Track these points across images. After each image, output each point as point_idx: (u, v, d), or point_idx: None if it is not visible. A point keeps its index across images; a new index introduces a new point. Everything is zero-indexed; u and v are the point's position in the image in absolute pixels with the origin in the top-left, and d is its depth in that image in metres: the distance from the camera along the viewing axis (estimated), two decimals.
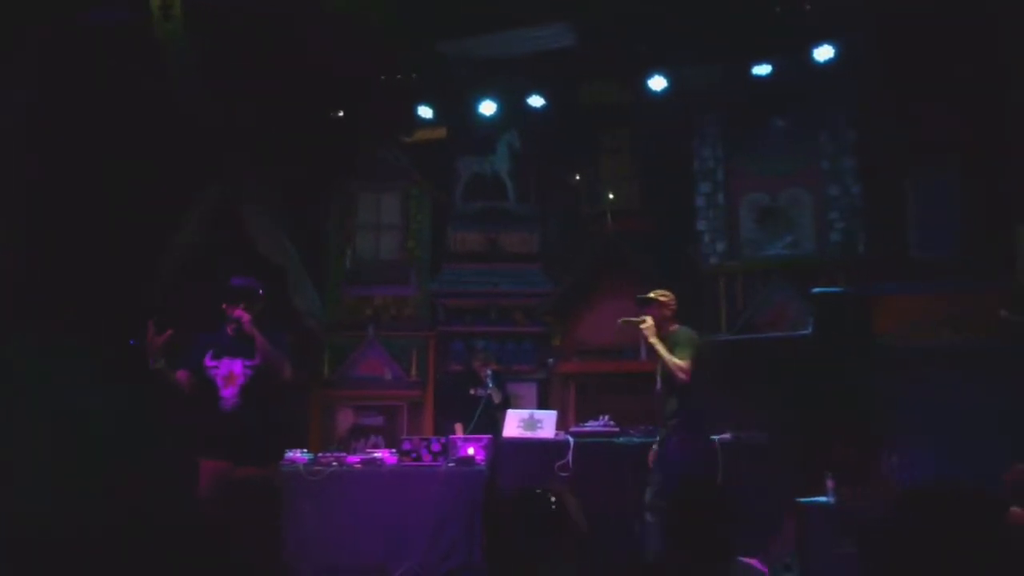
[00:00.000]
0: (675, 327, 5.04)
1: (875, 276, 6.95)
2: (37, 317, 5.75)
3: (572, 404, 7.85)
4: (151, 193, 7.13)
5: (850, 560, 4.34)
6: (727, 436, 5.49)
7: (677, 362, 4.84)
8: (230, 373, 4.20)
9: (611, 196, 8.45)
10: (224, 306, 4.30)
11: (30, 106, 6.06)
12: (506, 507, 5.03)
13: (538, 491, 5.07)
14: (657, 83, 7.31)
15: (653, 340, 4.94)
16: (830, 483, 4.90)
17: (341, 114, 8.11)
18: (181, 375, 4.23)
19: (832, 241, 7.48)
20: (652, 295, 5.12)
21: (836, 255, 7.42)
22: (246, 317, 4.22)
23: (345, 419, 8.19)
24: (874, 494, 4.76)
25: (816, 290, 6.37)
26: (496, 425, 6.34)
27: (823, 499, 4.88)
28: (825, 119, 7.65)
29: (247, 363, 4.21)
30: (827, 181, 7.58)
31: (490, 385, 6.68)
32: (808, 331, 6.25)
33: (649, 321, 4.97)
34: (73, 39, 6.19)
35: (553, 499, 4.88)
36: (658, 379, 5.08)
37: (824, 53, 6.85)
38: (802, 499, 4.92)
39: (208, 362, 4.24)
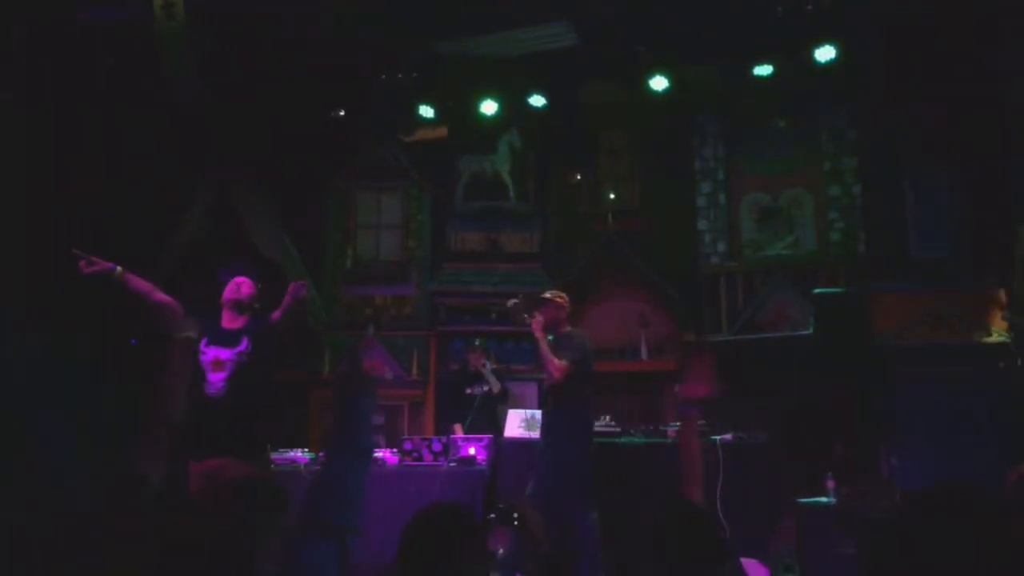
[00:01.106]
0: (568, 329, 5.12)
1: (875, 276, 6.95)
2: (38, 317, 5.75)
3: None
4: (150, 192, 7.13)
5: (850, 560, 4.35)
6: (727, 436, 5.49)
7: (554, 359, 4.91)
8: (217, 359, 4.23)
9: (611, 196, 8.47)
10: (225, 283, 4.36)
11: (29, 104, 6.05)
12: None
13: (501, 506, 5.12)
14: (658, 83, 7.30)
15: (539, 336, 5.00)
16: (830, 483, 4.90)
17: (342, 113, 8.10)
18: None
19: (832, 241, 7.50)
20: (548, 295, 5.20)
21: (836, 255, 7.44)
22: (247, 283, 4.33)
23: None
24: (874, 494, 4.76)
25: (817, 290, 6.37)
26: (496, 420, 6.33)
27: (823, 499, 4.89)
28: (826, 119, 7.66)
29: (236, 351, 4.23)
30: (828, 181, 7.59)
31: (488, 371, 6.63)
32: (808, 331, 6.25)
33: (539, 319, 5.00)
34: (73, 37, 6.19)
35: (516, 515, 4.92)
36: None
37: (825, 53, 6.84)
38: (802, 499, 4.93)
39: (201, 347, 4.27)
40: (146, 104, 6.75)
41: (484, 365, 6.74)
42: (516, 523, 4.94)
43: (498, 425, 6.32)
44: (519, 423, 5.97)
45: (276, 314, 4.32)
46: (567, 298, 5.24)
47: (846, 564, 4.41)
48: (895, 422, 5.61)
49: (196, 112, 6.99)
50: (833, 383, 5.62)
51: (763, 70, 7.12)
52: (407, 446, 5.95)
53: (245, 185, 8.08)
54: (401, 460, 5.89)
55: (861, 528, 4.32)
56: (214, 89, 6.99)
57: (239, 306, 4.33)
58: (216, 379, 4.18)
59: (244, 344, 4.24)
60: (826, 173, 7.60)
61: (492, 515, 5.10)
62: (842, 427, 5.52)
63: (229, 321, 4.34)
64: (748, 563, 4.83)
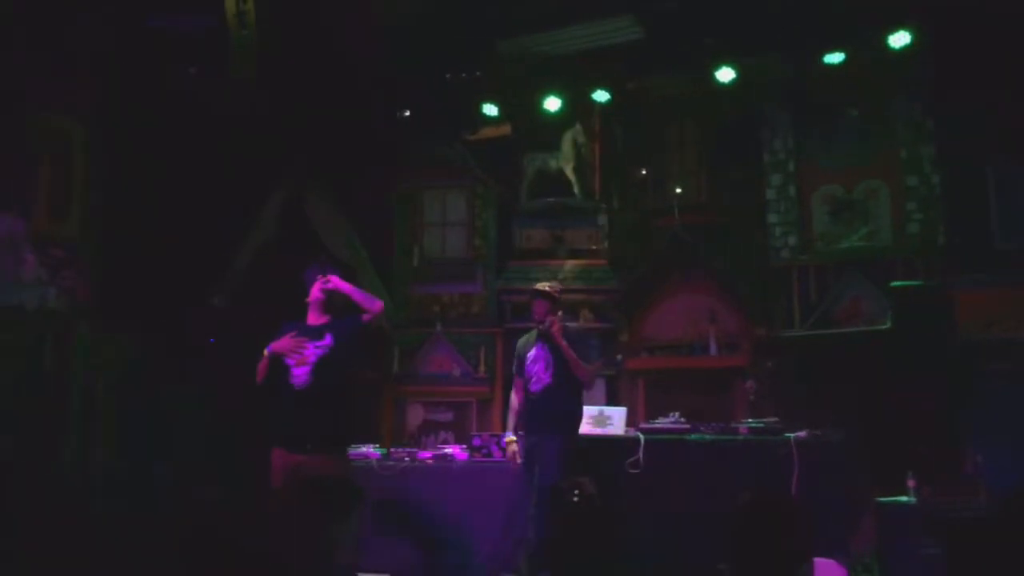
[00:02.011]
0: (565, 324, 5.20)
1: (956, 268, 6.72)
2: (117, 319, 5.96)
3: (641, 400, 7.79)
4: (223, 195, 7.33)
5: (935, 561, 4.21)
6: (802, 433, 5.37)
7: (584, 365, 5.04)
8: (302, 354, 4.36)
9: (678, 190, 8.36)
10: (310, 279, 4.57)
11: (104, 110, 6.26)
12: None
13: (562, 486, 5.10)
14: (725, 74, 7.19)
15: (562, 341, 5.01)
16: (911, 482, 4.76)
17: (407, 114, 8.21)
18: (260, 364, 4.41)
19: (910, 233, 7.24)
20: (550, 289, 5.16)
21: (915, 247, 7.18)
22: (333, 278, 4.53)
23: (415, 415, 8.30)
24: (959, 494, 4.61)
25: (895, 283, 6.19)
26: None
27: (904, 498, 4.75)
28: (901, 107, 7.41)
29: (318, 344, 4.38)
30: (905, 171, 7.34)
31: None
32: (886, 325, 6.08)
33: (557, 324, 5.03)
34: (145, 44, 6.39)
35: (576, 492, 4.91)
36: (547, 379, 5.06)
37: (900, 39, 6.64)
38: (882, 498, 4.80)
39: (284, 341, 4.42)
40: (218, 109, 6.94)
41: None
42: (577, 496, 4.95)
43: None
44: (587, 419, 5.95)
45: (366, 316, 4.48)
46: (559, 287, 5.40)
47: (928, 565, 4.28)
48: (979, 419, 5.42)
49: (266, 116, 7.16)
50: (913, 379, 5.45)
51: (834, 58, 6.93)
52: (476, 442, 5.99)
53: (314, 186, 8.24)
54: (471, 457, 5.94)
55: (945, 529, 4.18)
56: (282, 93, 7.15)
57: (324, 304, 4.51)
58: (300, 372, 4.34)
59: (328, 339, 4.40)
60: (903, 162, 7.34)
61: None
62: (923, 424, 5.35)
63: (315, 318, 4.53)
64: (825, 563, 4.71)
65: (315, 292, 4.54)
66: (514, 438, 5.40)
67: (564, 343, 5.00)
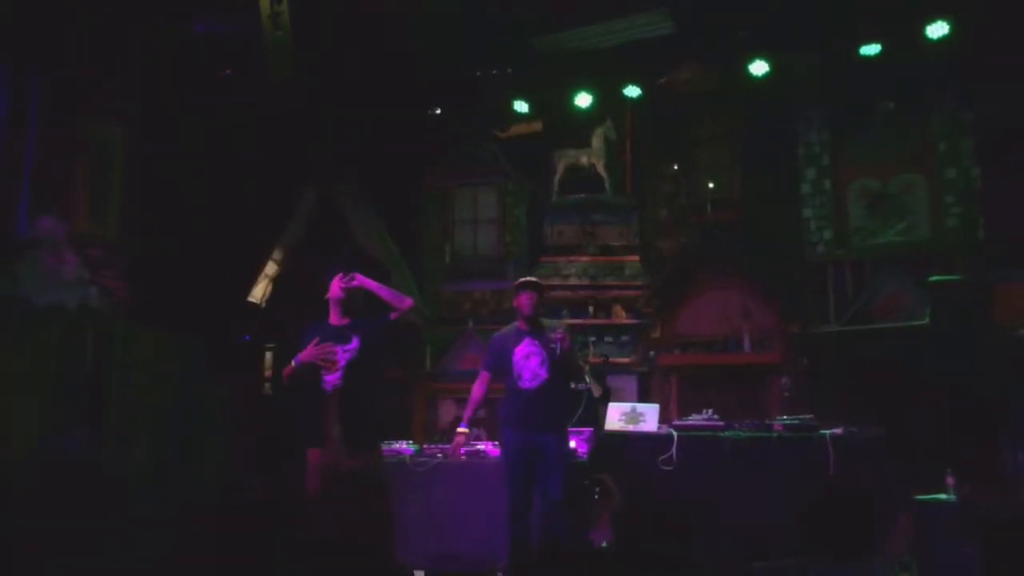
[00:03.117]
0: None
1: (996, 263, 6.59)
2: (155, 317, 6.06)
3: (674, 397, 7.76)
4: (256, 194, 7.42)
5: (974, 560, 4.14)
6: (838, 430, 5.30)
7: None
8: (332, 360, 4.33)
9: (711, 185, 8.29)
10: (332, 279, 4.44)
11: (142, 113, 6.37)
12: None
13: (586, 482, 5.07)
14: (758, 68, 7.11)
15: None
16: (950, 480, 4.68)
17: (438, 111, 8.24)
18: (286, 370, 4.39)
19: (949, 227, 7.12)
20: (536, 280, 5.06)
21: (953, 241, 7.06)
22: (357, 276, 4.40)
23: (447, 411, 8.34)
24: (998, 492, 4.53)
25: (933, 278, 6.08)
26: (597, 418, 6.31)
27: (942, 496, 4.67)
28: (938, 99, 7.28)
29: (346, 348, 4.31)
30: (943, 164, 7.21)
31: (588, 375, 6.64)
32: (924, 321, 5.98)
33: (568, 342, 4.82)
34: (182, 48, 6.49)
35: (597, 488, 4.89)
36: (544, 374, 4.88)
37: (937, 30, 6.51)
38: (920, 496, 4.72)
39: (312, 350, 4.37)
40: (253, 109, 7.02)
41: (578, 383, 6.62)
42: (598, 493, 4.93)
43: (599, 422, 6.30)
44: (619, 416, 5.93)
45: (393, 315, 4.37)
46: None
47: (967, 565, 4.20)
48: (1019, 417, 5.32)
49: (300, 115, 7.23)
50: (952, 375, 5.36)
51: (870, 50, 6.83)
52: None
53: (346, 184, 8.31)
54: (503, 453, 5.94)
55: (985, 528, 4.10)
56: (316, 92, 7.22)
57: (345, 303, 4.41)
58: (332, 378, 4.29)
59: (355, 342, 4.32)
60: (941, 156, 7.22)
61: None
62: (962, 422, 5.26)
63: (337, 318, 4.43)
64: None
65: (335, 290, 4.39)
66: (466, 431, 5.26)
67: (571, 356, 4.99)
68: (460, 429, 5.19)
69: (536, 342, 4.90)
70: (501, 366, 4.99)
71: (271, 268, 8.09)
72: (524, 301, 4.94)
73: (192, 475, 5.84)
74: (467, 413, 5.19)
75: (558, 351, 4.72)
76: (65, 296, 5.48)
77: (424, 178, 8.93)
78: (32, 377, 5.07)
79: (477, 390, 5.10)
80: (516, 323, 5.03)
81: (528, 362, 4.91)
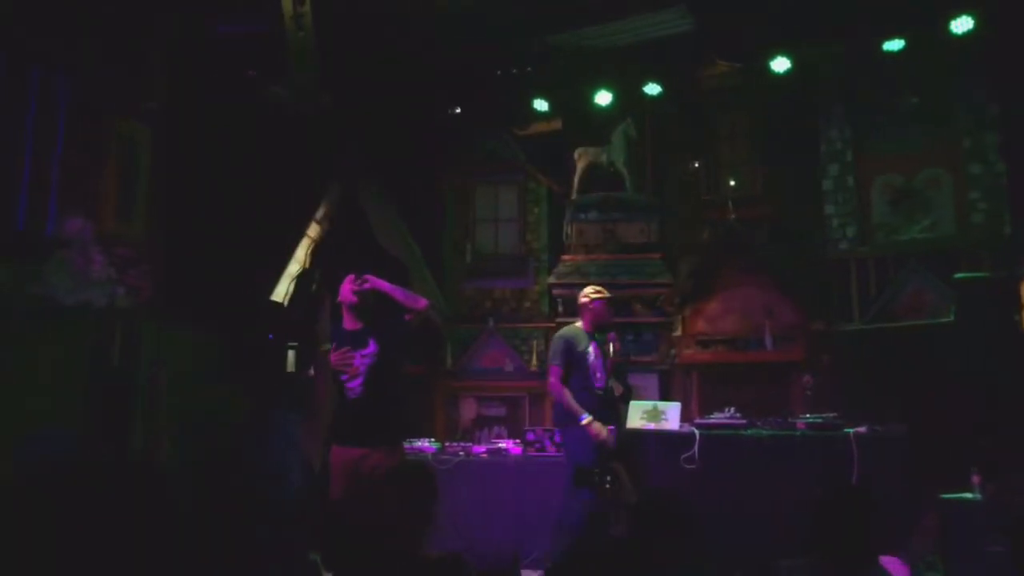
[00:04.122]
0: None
1: (1023, 259, 6.50)
2: (181, 316, 6.11)
3: (695, 395, 7.73)
4: (278, 193, 7.46)
5: (1001, 559, 4.10)
6: (862, 429, 5.27)
7: None
8: (352, 366, 4.33)
9: (732, 182, 8.26)
10: (345, 284, 4.45)
11: (168, 111, 6.42)
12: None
13: (596, 470, 5.12)
14: (779, 64, 7.07)
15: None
16: (976, 478, 4.64)
17: (458, 110, 8.25)
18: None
19: (974, 223, 7.04)
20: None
21: (979, 238, 6.98)
22: (369, 277, 4.39)
23: (469, 409, 8.37)
24: None
25: (959, 275, 6.01)
26: (619, 416, 6.32)
27: (968, 495, 4.63)
28: (963, 94, 7.20)
29: (364, 353, 4.32)
30: (968, 159, 7.13)
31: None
32: (950, 319, 5.92)
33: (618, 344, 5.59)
34: (208, 47, 6.54)
35: (608, 477, 4.94)
36: (605, 376, 5.43)
37: (962, 24, 6.43)
38: (945, 495, 4.69)
39: (331, 357, 4.40)
40: (274, 109, 7.06)
41: None
42: (609, 483, 4.99)
43: (621, 422, 6.30)
44: (641, 414, 5.93)
45: (408, 316, 4.39)
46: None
47: (994, 563, 4.16)
48: None
49: (322, 114, 7.27)
50: (978, 373, 5.30)
51: (893, 45, 6.76)
52: (530, 437, 6.03)
53: (367, 182, 8.35)
54: (525, 451, 5.97)
55: (1013, 526, 4.06)
56: (337, 91, 7.25)
57: (359, 307, 4.39)
58: (354, 385, 4.30)
59: (372, 346, 4.32)
60: (966, 151, 7.14)
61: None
62: (988, 420, 5.20)
63: (351, 322, 4.42)
64: (888, 561, 4.63)
65: (346, 294, 4.36)
66: (590, 417, 5.34)
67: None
68: (585, 420, 5.20)
69: (598, 346, 5.22)
70: (575, 363, 5.21)
71: (294, 267, 8.14)
72: (605, 310, 5.40)
73: (215, 473, 5.89)
74: (575, 405, 5.25)
75: (611, 352, 5.10)
76: (92, 296, 5.54)
77: (444, 177, 8.95)
78: (59, 377, 5.13)
79: (561, 385, 5.21)
80: (579, 325, 5.32)
81: (597, 362, 5.24)
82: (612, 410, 5.31)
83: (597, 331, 5.42)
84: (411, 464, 4.17)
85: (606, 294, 5.56)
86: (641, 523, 2.20)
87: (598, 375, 5.29)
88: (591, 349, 5.35)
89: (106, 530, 1.35)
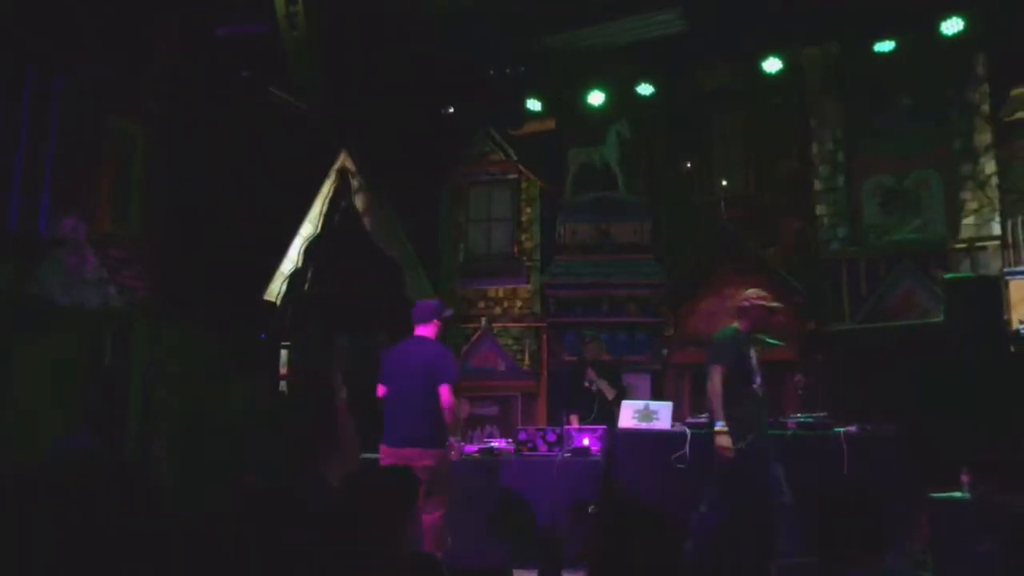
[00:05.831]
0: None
1: (1012, 260, 6.56)
2: (175, 316, 6.12)
3: (687, 395, 7.76)
4: (274, 193, 7.46)
5: (990, 558, 4.13)
6: (852, 428, 5.30)
7: None
8: None
9: (724, 183, 8.29)
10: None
11: (163, 112, 6.43)
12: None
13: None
14: (772, 65, 7.10)
15: None
16: (965, 477, 4.67)
17: (451, 110, 8.26)
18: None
19: (964, 223, 7.09)
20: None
21: (969, 238, 7.03)
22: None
23: (461, 409, 8.37)
24: (1014, 490, 4.51)
25: (949, 276, 6.06)
26: (612, 417, 6.32)
27: (958, 494, 4.66)
28: (954, 95, 7.25)
29: None
30: (959, 160, 7.18)
31: (599, 381, 6.55)
32: (940, 318, 5.96)
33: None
34: (202, 48, 6.54)
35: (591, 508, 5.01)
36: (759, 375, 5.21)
37: (952, 26, 6.48)
38: (935, 494, 4.72)
39: None
40: (272, 108, 7.07)
41: (591, 383, 6.56)
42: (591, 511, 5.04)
43: (613, 422, 6.30)
44: (632, 414, 5.94)
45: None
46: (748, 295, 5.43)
47: (984, 561, 4.19)
48: None
49: (319, 113, 7.27)
50: (967, 372, 5.34)
51: (885, 46, 6.81)
52: (522, 436, 6.02)
53: (362, 182, 8.35)
54: (517, 450, 5.98)
55: (1003, 524, 4.10)
56: (334, 91, 7.26)
57: None
58: None
59: None
60: (956, 152, 7.19)
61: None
62: (977, 419, 5.24)
63: None
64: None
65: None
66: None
67: None
68: (719, 427, 5.09)
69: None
70: (739, 365, 5.15)
71: (287, 266, 8.15)
72: (766, 314, 5.32)
73: (212, 473, 5.90)
74: (720, 411, 5.15)
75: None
76: (86, 296, 5.54)
77: (438, 177, 8.95)
78: (54, 376, 5.14)
79: (720, 386, 5.13)
80: (738, 327, 5.22)
81: (757, 365, 5.14)
82: (767, 410, 5.32)
83: (755, 333, 5.35)
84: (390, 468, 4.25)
85: (769, 300, 5.44)
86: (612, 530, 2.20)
87: (757, 377, 5.28)
88: (752, 352, 5.30)
89: (89, 529, 1.36)
